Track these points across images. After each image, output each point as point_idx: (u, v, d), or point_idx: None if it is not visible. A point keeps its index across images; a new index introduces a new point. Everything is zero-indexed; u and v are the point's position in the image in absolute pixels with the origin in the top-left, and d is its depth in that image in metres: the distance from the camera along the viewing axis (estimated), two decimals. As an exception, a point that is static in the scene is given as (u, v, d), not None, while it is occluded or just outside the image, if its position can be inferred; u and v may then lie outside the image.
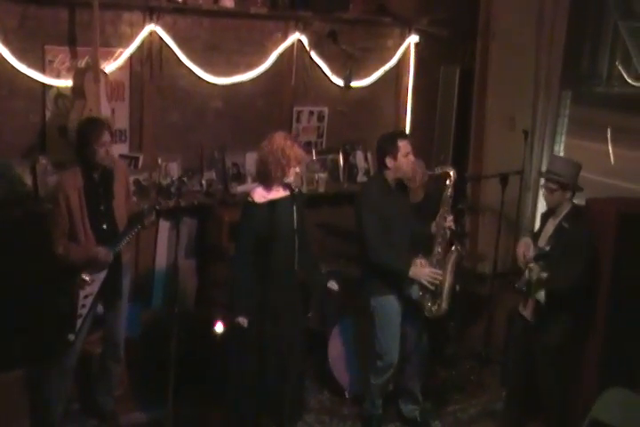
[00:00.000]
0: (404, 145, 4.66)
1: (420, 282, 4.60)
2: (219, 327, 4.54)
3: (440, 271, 4.61)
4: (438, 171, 4.71)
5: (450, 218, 4.62)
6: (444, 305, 4.66)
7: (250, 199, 4.30)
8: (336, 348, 5.31)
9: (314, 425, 5.02)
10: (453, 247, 4.64)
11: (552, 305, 4.43)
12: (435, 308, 4.66)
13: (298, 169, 4.31)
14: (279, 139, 4.28)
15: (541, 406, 4.70)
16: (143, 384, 5.04)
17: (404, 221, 4.67)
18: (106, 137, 4.39)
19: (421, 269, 4.59)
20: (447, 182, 4.65)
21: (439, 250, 4.65)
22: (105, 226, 4.46)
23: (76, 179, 4.40)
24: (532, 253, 4.52)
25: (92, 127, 4.40)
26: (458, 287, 5.59)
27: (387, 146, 4.69)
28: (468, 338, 6.06)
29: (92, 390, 4.85)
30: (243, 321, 4.24)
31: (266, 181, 4.31)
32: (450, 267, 4.65)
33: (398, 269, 4.63)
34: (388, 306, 4.75)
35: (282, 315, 4.29)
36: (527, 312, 4.58)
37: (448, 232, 4.64)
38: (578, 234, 4.41)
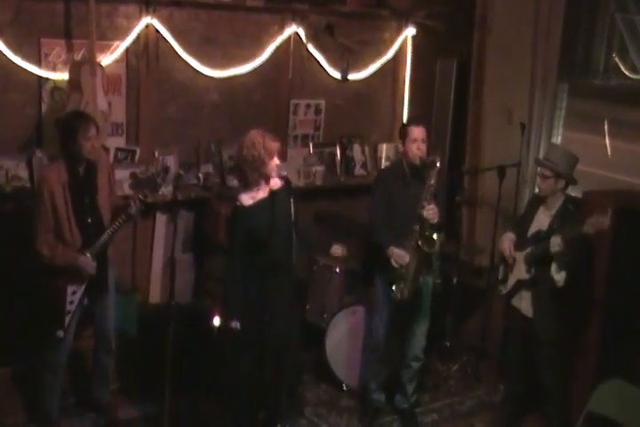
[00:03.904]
0: (412, 131, 4.73)
1: (390, 262, 4.66)
2: (216, 321, 4.54)
3: (407, 255, 4.63)
4: (429, 158, 4.73)
5: (429, 206, 4.60)
6: (407, 291, 4.70)
7: (238, 203, 4.28)
8: (333, 341, 5.32)
9: (311, 418, 5.02)
10: (420, 242, 4.63)
11: (550, 301, 4.43)
12: (398, 292, 4.70)
13: (277, 161, 4.27)
14: (247, 140, 4.23)
15: (540, 400, 4.70)
16: (141, 378, 5.04)
17: (411, 207, 4.65)
18: (92, 131, 4.34)
19: (394, 250, 4.64)
20: (431, 171, 4.65)
21: (415, 236, 4.64)
22: (90, 220, 4.42)
23: (60, 173, 4.36)
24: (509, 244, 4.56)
25: (79, 121, 4.35)
26: (456, 280, 5.66)
27: (400, 131, 4.85)
28: (466, 331, 6.07)
29: (88, 384, 4.85)
30: (236, 325, 4.25)
31: (246, 184, 4.31)
32: (415, 255, 4.66)
33: (383, 244, 4.71)
34: (379, 283, 4.85)
35: (277, 311, 4.29)
36: (523, 305, 4.58)
37: (427, 220, 4.62)
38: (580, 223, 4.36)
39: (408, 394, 5.09)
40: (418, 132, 4.73)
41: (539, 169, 4.48)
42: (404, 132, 4.78)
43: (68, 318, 4.39)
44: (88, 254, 4.37)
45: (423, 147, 4.72)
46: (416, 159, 4.71)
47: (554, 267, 4.30)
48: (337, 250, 4.62)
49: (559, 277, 4.31)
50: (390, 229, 4.73)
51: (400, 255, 4.63)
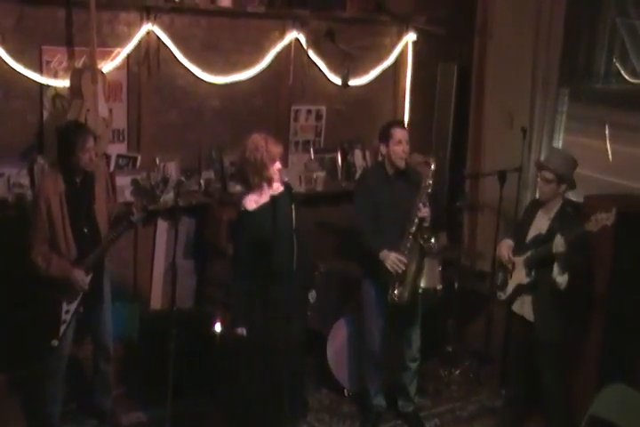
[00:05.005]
0: (396, 133, 4.72)
1: (385, 266, 4.63)
2: (217, 327, 4.54)
3: (404, 259, 4.62)
4: (419, 159, 4.73)
5: (425, 209, 4.60)
6: (406, 294, 4.68)
7: (243, 209, 4.28)
8: (335, 346, 5.31)
9: (313, 424, 5.01)
10: (421, 241, 4.62)
11: (550, 303, 4.43)
12: (396, 295, 4.67)
13: (278, 165, 4.27)
14: (250, 143, 4.23)
15: (542, 404, 4.70)
16: (143, 384, 5.04)
17: (397, 208, 4.67)
18: (90, 143, 4.31)
19: (389, 253, 4.61)
20: (426, 173, 4.65)
21: (410, 238, 4.63)
22: (86, 229, 4.40)
23: (57, 183, 4.33)
24: (508, 250, 4.55)
25: (76, 133, 4.32)
26: (457, 285, 5.64)
27: (382, 133, 4.80)
28: (468, 336, 6.06)
29: (89, 390, 4.84)
30: (242, 331, 4.26)
31: (248, 188, 4.31)
32: (414, 257, 4.65)
33: (372, 249, 4.68)
34: (368, 288, 4.84)
35: (279, 315, 4.29)
36: (525, 310, 4.57)
37: (423, 222, 4.61)
38: (581, 224, 4.33)
39: (411, 396, 5.08)
40: (402, 133, 4.73)
41: (542, 172, 4.47)
42: (386, 134, 4.75)
43: (63, 327, 4.38)
44: (83, 269, 4.35)
45: (407, 148, 4.73)
46: (401, 161, 4.71)
47: (556, 269, 4.30)
48: (312, 297, 4.60)
49: (561, 279, 4.30)
50: (379, 233, 4.70)
51: (398, 259, 4.60)
